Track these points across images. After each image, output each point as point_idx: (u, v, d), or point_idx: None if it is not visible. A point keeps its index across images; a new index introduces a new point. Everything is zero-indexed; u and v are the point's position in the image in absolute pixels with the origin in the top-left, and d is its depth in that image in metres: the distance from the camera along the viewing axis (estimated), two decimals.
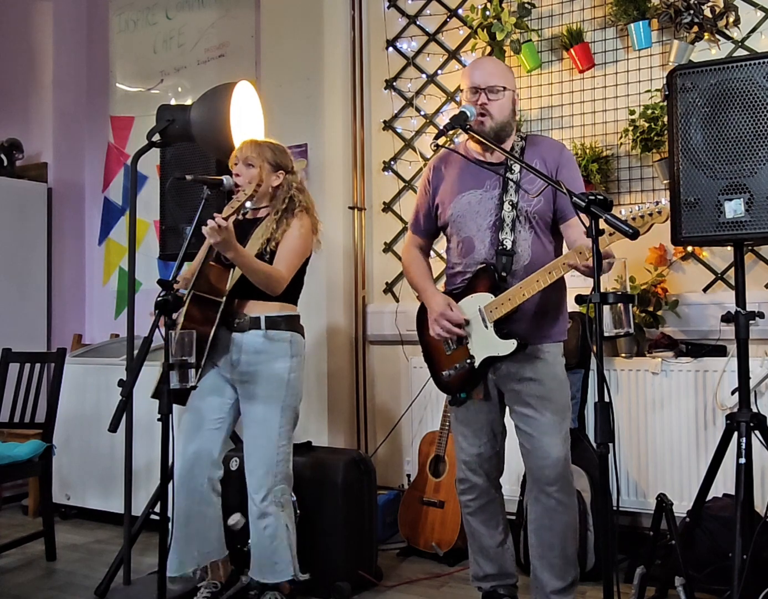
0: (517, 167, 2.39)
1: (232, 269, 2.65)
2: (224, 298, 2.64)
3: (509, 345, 2.31)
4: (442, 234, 2.62)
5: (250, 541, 2.72)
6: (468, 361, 2.39)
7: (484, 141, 2.32)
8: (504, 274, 2.35)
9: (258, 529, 2.66)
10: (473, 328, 2.38)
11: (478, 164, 2.42)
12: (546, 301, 2.37)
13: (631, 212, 2.08)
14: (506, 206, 2.37)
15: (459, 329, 2.37)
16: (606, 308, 1.95)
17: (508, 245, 2.36)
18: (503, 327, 2.34)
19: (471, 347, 2.40)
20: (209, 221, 2.39)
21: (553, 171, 2.39)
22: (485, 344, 2.36)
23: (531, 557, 2.50)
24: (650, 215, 2.04)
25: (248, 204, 2.60)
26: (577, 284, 2.53)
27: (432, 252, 2.76)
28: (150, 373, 2.55)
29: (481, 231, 2.41)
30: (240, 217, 2.64)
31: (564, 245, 2.48)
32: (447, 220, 2.49)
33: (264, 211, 2.75)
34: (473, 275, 2.41)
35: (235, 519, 2.92)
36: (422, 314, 2.56)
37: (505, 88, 2.39)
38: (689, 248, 3.29)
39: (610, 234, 2.07)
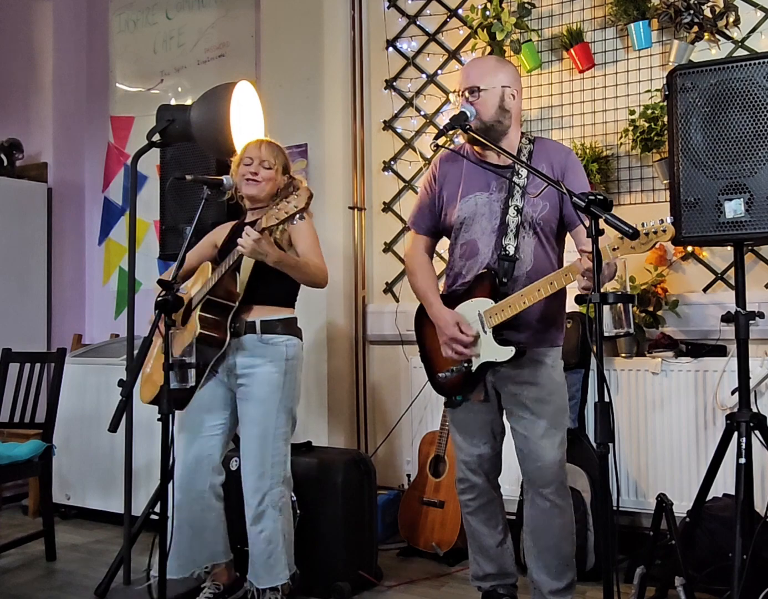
0: (523, 172, 2.37)
1: (237, 274, 2.66)
2: (237, 303, 2.67)
3: (508, 351, 2.30)
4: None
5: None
6: (465, 364, 2.38)
7: (486, 142, 2.31)
8: (505, 279, 2.34)
9: (254, 533, 2.64)
10: None
11: (483, 165, 2.42)
12: (546, 308, 2.36)
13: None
14: (511, 211, 2.36)
15: (470, 349, 2.34)
16: (606, 308, 1.94)
17: (511, 250, 2.35)
18: (502, 333, 2.33)
19: None
20: (243, 235, 2.39)
21: (559, 175, 2.37)
22: (484, 349, 2.35)
23: (527, 558, 2.51)
24: (655, 233, 2.01)
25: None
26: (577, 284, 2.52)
27: None
28: None
29: (485, 235, 2.40)
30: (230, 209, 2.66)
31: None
32: (453, 222, 2.46)
33: (262, 211, 2.75)
34: (474, 278, 2.40)
35: None
36: (421, 314, 2.55)
37: (479, 88, 2.36)
38: (689, 248, 3.29)
39: (614, 249, 2.05)
